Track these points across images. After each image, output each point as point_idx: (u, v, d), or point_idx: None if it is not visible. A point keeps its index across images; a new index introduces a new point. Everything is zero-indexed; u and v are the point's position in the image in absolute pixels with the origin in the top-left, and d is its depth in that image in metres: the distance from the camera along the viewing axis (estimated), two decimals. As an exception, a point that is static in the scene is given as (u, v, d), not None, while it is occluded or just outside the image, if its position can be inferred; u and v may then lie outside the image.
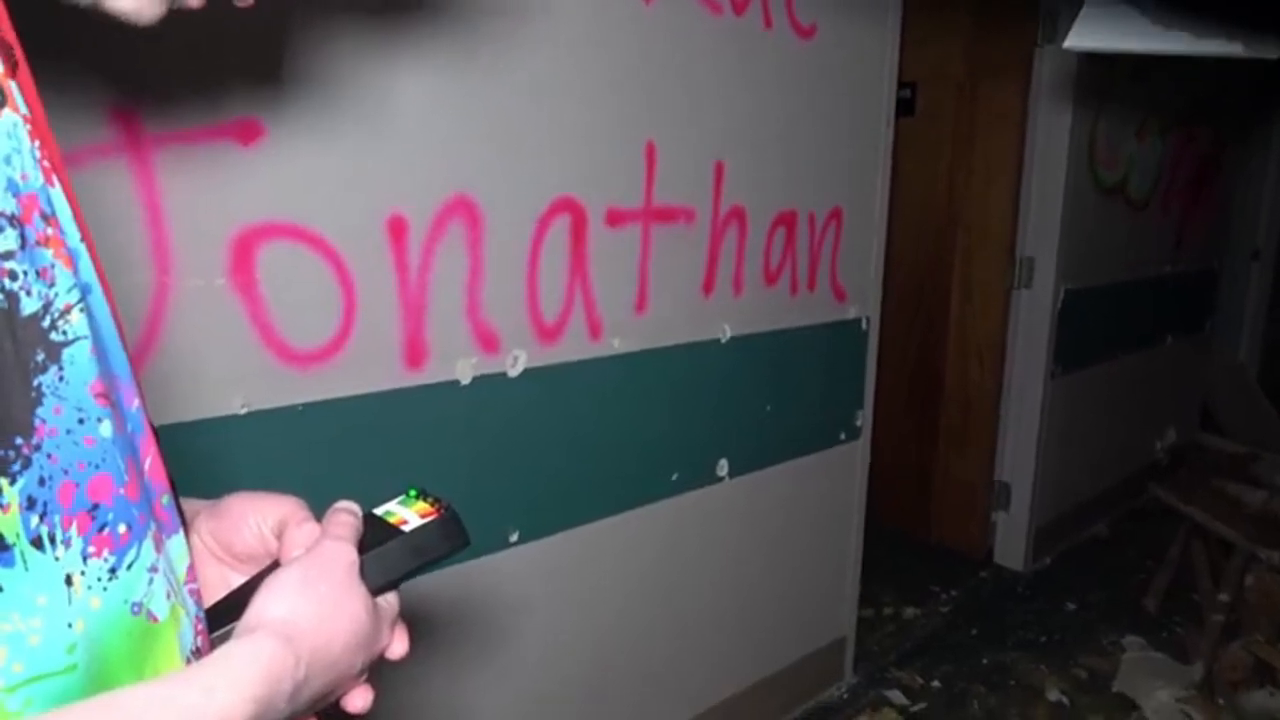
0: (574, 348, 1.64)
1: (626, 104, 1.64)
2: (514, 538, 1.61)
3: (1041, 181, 3.07)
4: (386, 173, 1.34)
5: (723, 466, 1.99)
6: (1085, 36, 1.15)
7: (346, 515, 0.56)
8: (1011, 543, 3.32)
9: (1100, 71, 3.00)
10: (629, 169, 1.67)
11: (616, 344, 1.71)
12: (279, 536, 0.56)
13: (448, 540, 0.59)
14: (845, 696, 2.50)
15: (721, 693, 2.15)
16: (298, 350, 1.29)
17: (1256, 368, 5.07)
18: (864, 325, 2.29)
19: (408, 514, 0.59)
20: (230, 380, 1.22)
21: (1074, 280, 3.17)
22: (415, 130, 1.36)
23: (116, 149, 1.09)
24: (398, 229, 1.36)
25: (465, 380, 1.48)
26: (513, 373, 1.55)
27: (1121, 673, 2.62)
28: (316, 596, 0.49)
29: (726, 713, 2.16)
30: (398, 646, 0.56)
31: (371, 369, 1.37)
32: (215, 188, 1.18)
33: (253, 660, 0.43)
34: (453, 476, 1.49)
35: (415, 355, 1.42)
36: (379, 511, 0.60)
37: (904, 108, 2.49)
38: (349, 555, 0.53)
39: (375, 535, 0.56)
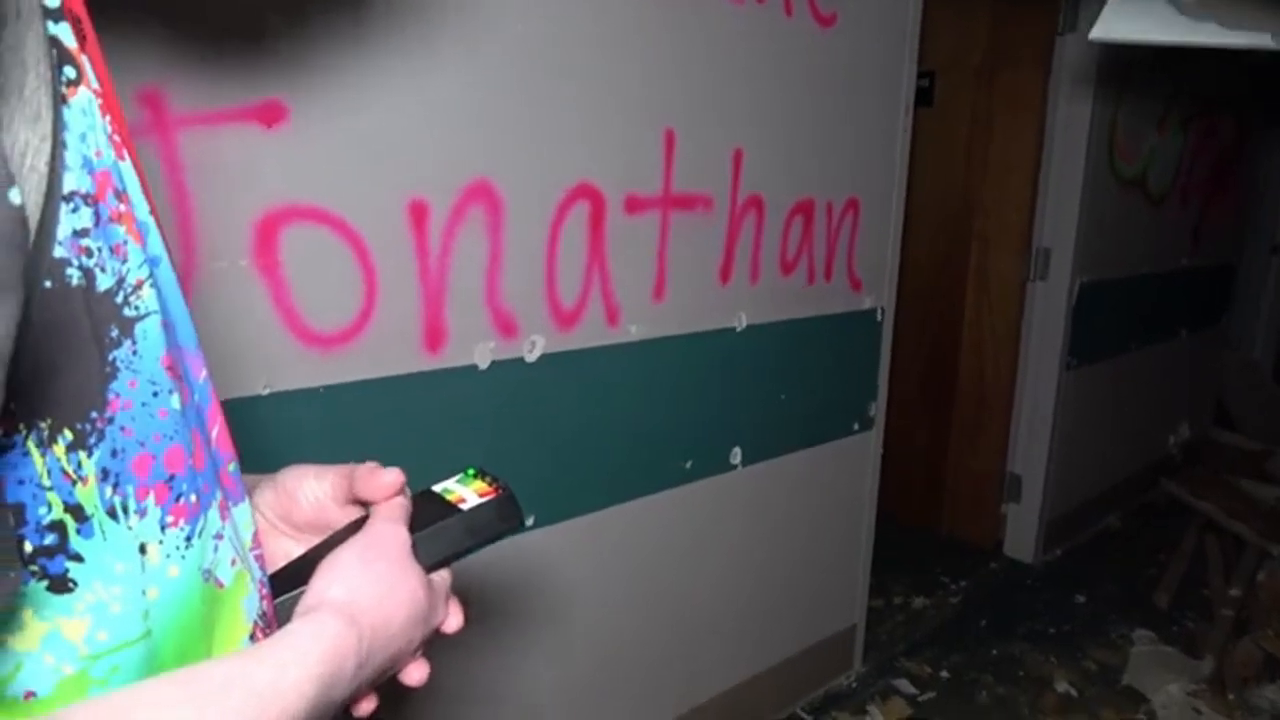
0: (591, 334, 1.64)
1: (647, 90, 1.63)
2: (530, 522, 1.62)
3: (1060, 173, 3.05)
4: (408, 157, 1.34)
5: (736, 454, 1.99)
6: (1112, 28, 1.14)
7: (398, 498, 0.57)
8: (1022, 535, 3.32)
9: (1122, 61, 2.97)
10: (648, 156, 1.67)
11: (634, 331, 1.71)
12: (337, 504, 0.57)
13: (503, 520, 0.60)
14: (854, 685, 2.51)
15: (732, 678, 2.16)
16: (320, 333, 1.30)
17: (1271, 364, 5.04)
18: (879, 316, 2.28)
19: (466, 492, 0.61)
20: (254, 361, 1.23)
21: (1090, 273, 3.16)
22: (437, 114, 1.36)
23: (143, 130, 1.10)
24: (419, 213, 1.36)
25: (483, 365, 1.49)
26: (530, 358, 1.56)
27: (1131, 666, 2.62)
28: (375, 576, 0.51)
29: (737, 698, 2.17)
30: (453, 620, 0.58)
31: (392, 352, 1.38)
32: (239, 169, 1.19)
33: (318, 638, 0.44)
34: (470, 460, 1.50)
35: (434, 339, 1.42)
36: (438, 489, 0.61)
37: (921, 97, 2.48)
38: (401, 535, 0.54)
39: (433, 512, 0.58)
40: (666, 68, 1.66)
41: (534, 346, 1.56)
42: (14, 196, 0.29)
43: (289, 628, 0.45)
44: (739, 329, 1.92)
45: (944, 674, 2.59)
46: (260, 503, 0.58)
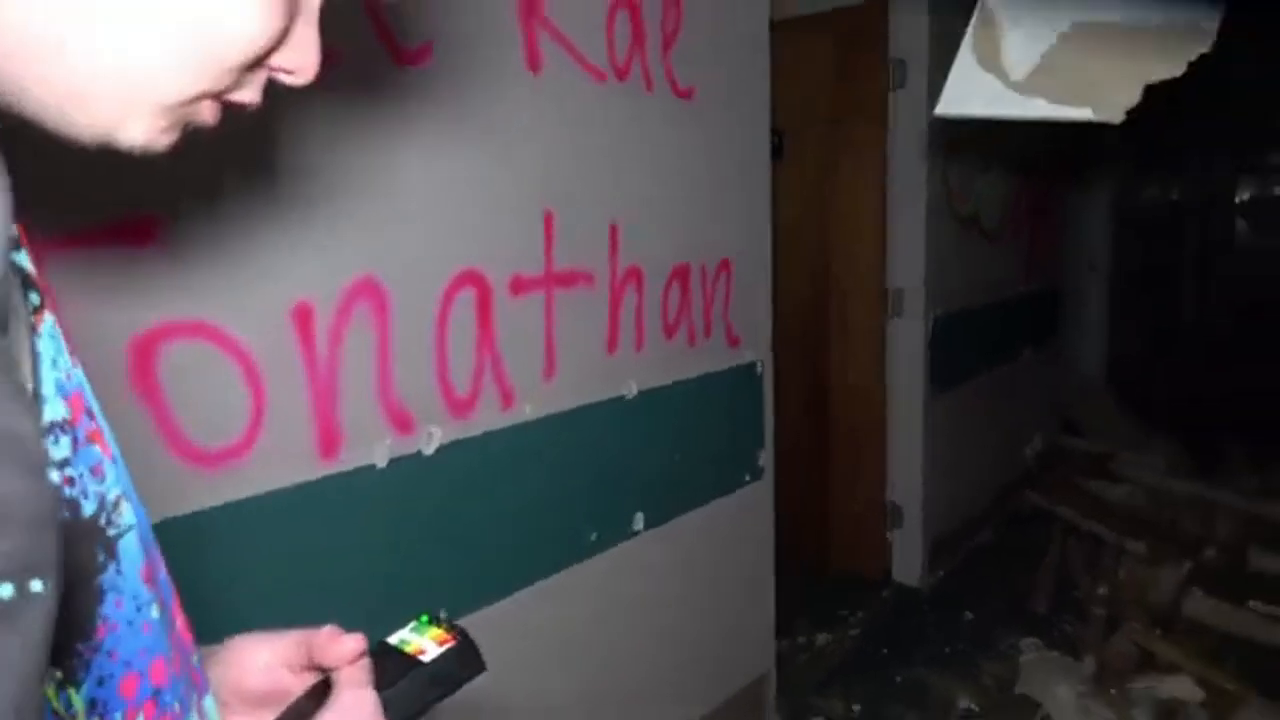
0: (487, 419, 1.63)
1: (523, 173, 1.66)
2: (442, 615, 1.57)
3: (904, 218, 3.27)
4: (288, 260, 1.31)
5: (638, 520, 2.00)
6: (953, 103, 1.25)
7: (361, 660, 0.55)
8: (908, 560, 3.47)
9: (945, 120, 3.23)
10: (529, 237, 1.69)
11: (528, 410, 1.71)
12: (293, 671, 0.55)
13: (465, 668, 0.60)
14: (772, 732, 2.54)
15: (653, 746, 2.15)
16: (207, 451, 1.23)
17: (1103, 371, 5.50)
18: (759, 369, 2.37)
19: (424, 642, 0.60)
20: (141, 490, 1.16)
21: (941, 306, 3.38)
22: (316, 215, 1.34)
23: (1, 260, 1.03)
24: (304, 317, 1.33)
25: (382, 464, 1.46)
26: (428, 450, 1.53)
27: (1022, 675, 2.77)
28: None
29: (660, 766, 2.16)
30: None
31: (285, 463, 1.32)
32: (108, 291, 1.13)
33: None
34: (375, 562, 1.46)
35: (329, 444, 1.38)
36: (394, 640, 0.60)
37: (773, 154, 2.61)
38: (371, 700, 0.53)
39: (395, 667, 0.57)
40: (540, 148, 1.69)
41: (431, 438, 1.54)
42: (53, 476, 0.28)
43: None
44: (629, 396, 1.95)
45: (855, 707, 2.66)
46: (211, 679, 0.55)
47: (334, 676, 0.55)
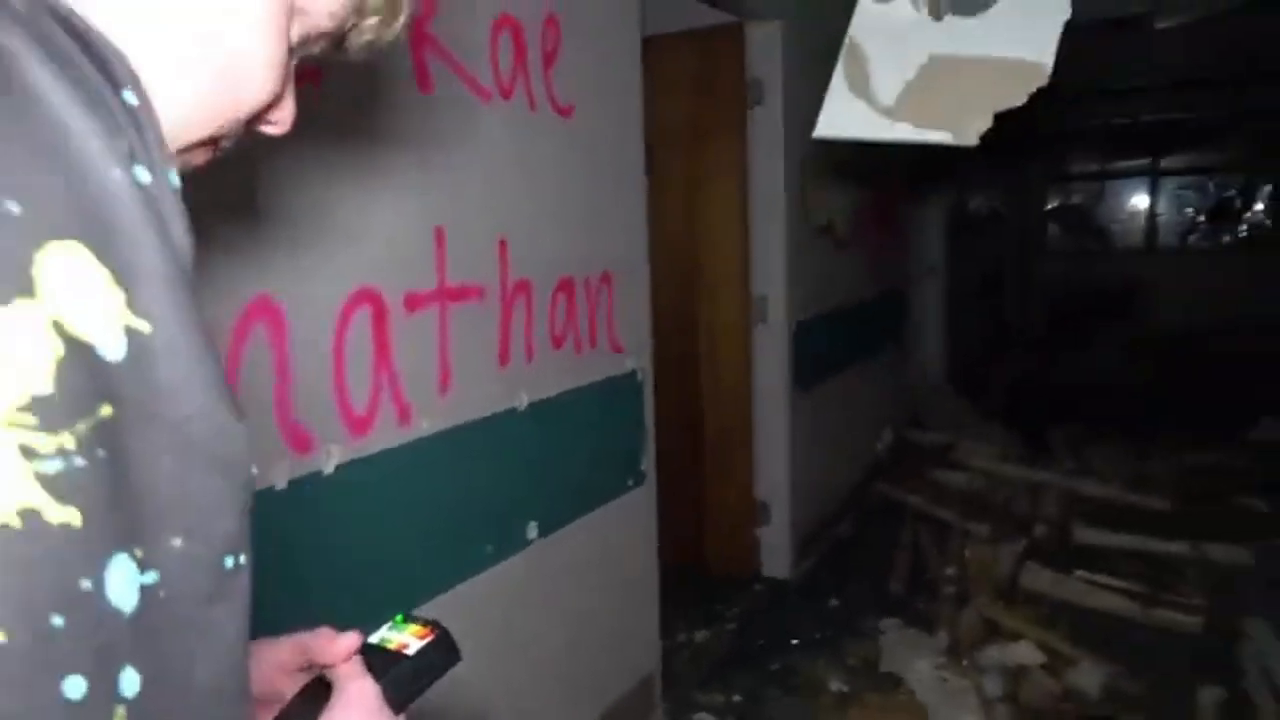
0: (385, 435, 1.63)
1: (414, 190, 1.67)
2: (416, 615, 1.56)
3: (765, 228, 3.44)
4: (182, 282, 1.28)
5: (532, 529, 2.04)
6: (829, 127, 1.37)
7: (356, 656, 0.60)
8: (776, 555, 3.64)
9: (803, 133, 3.43)
10: (421, 253, 1.70)
11: (425, 425, 1.72)
12: (287, 673, 0.59)
13: (446, 658, 0.65)
14: (661, 727, 2.62)
15: (550, 750, 2.19)
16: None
17: (944, 366, 5.93)
18: (639, 376, 2.45)
19: (404, 638, 0.64)
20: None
21: (802, 311, 3.58)
22: (211, 236, 1.31)
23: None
24: (199, 339, 1.30)
25: (281, 485, 1.44)
26: (328, 469, 1.52)
27: (885, 653, 2.97)
28: None
29: (558, 769, 2.19)
30: None
31: (184, 488, 1.29)
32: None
33: None
34: (278, 585, 1.43)
35: (228, 467, 1.35)
36: (375, 640, 0.64)
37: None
38: (373, 688, 0.58)
39: (383, 662, 0.61)
40: (430, 166, 1.70)
41: (330, 457, 1.52)
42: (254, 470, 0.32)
43: None
44: (520, 408, 1.98)
45: (736, 697, 2.78)
46: None
47: (332, 674, 0.59)
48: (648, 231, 2.50)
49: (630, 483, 2.45)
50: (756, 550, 3.66)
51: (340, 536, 1.55)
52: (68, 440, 0.28)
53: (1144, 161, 9.11)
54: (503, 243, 1.90)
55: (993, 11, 1.31)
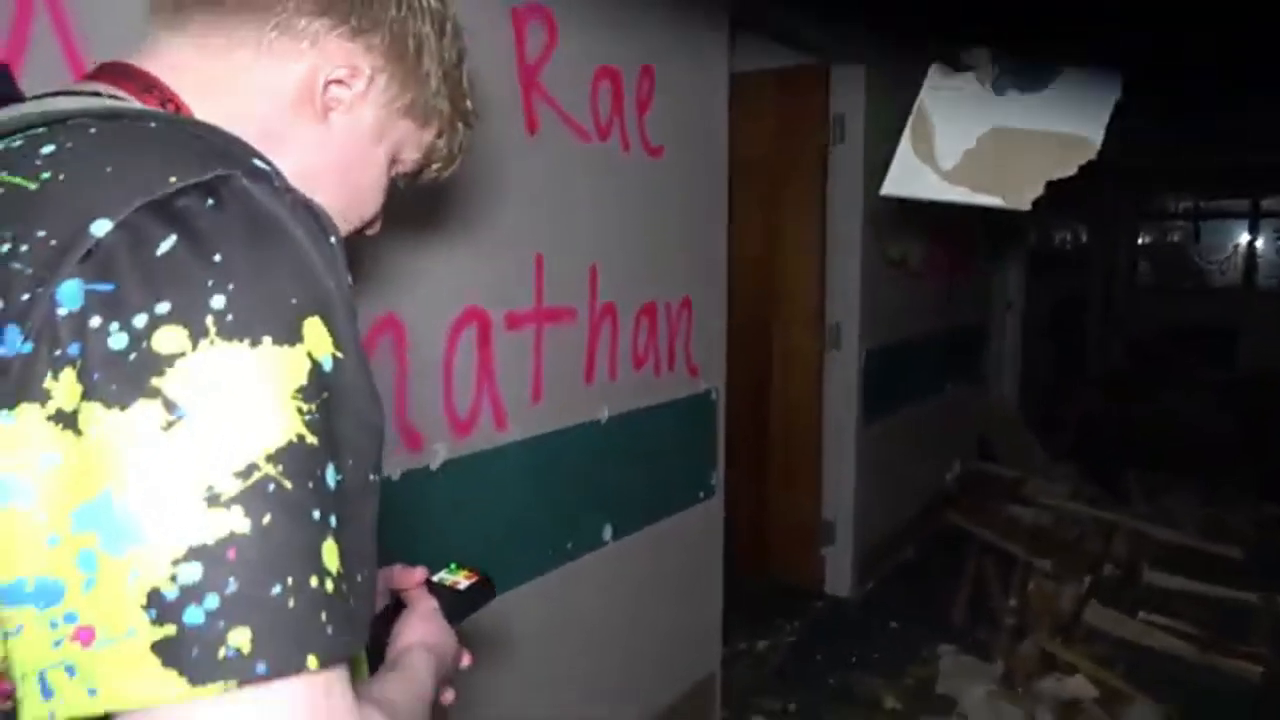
0: (484, 438, 1.84)
1: (518, 222, 1.88)
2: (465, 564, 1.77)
3: (841, 258, 3.58)
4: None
5: (607, 531, 2.22)
6: (895, 187, 1.52)
7: (422, 584, 0.89)
8: (839, 573, 3.75)
9: (878, 170, 3.56)
10: (523, 278, 1.91)
11: (518, 431, 1.92)
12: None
13: (485, 595, 0.92)
14: (717, 729, 2.77)
15: (613, 739, 2.36)
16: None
17: (1017, 401, 5.92)
18: (714, 396, 2.62)
19: (456, 578, 0.90)
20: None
21: (873, 340, 3.69)
22: (354, 265, 1.53)
23: None
24: (337, 347, 1.52)
25: (395, 477, 1.65)
26: (434, 465, 1.73)
27: (941, 676, 3.06)
28: (432, 630, 0.81)
29: (619, 757, 2.36)
30: (466, 658, 0.86)
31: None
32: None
33: (425, 661, 0.74)
34: (389, 561, 1.64)
35: (354, 458, 1.57)
36: (437, 579, 0.90)
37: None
38: (434, 605, 0.84)
39: (442, 592, 0.87)
40: (533, 198, 1.91)
41: (437, 455, 1.74)
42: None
43: (408, 658, 0.74)
44: (603, 420, 2.17)
45: (792, 707, 2.91)
46: None
47: (405, 596, 0.85)
48: (727, 258, 2.67)
49: (701, 495, 2.61)
50: (820, 568, 3.77)
51: (441, 524, 1.76)
52: (313, 406, 0.48)
53: (1244, 202, 8.88)
54: (593, 269, 2.10)
55: (1050, 89, 1.45)
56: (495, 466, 1.87)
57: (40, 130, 0.52)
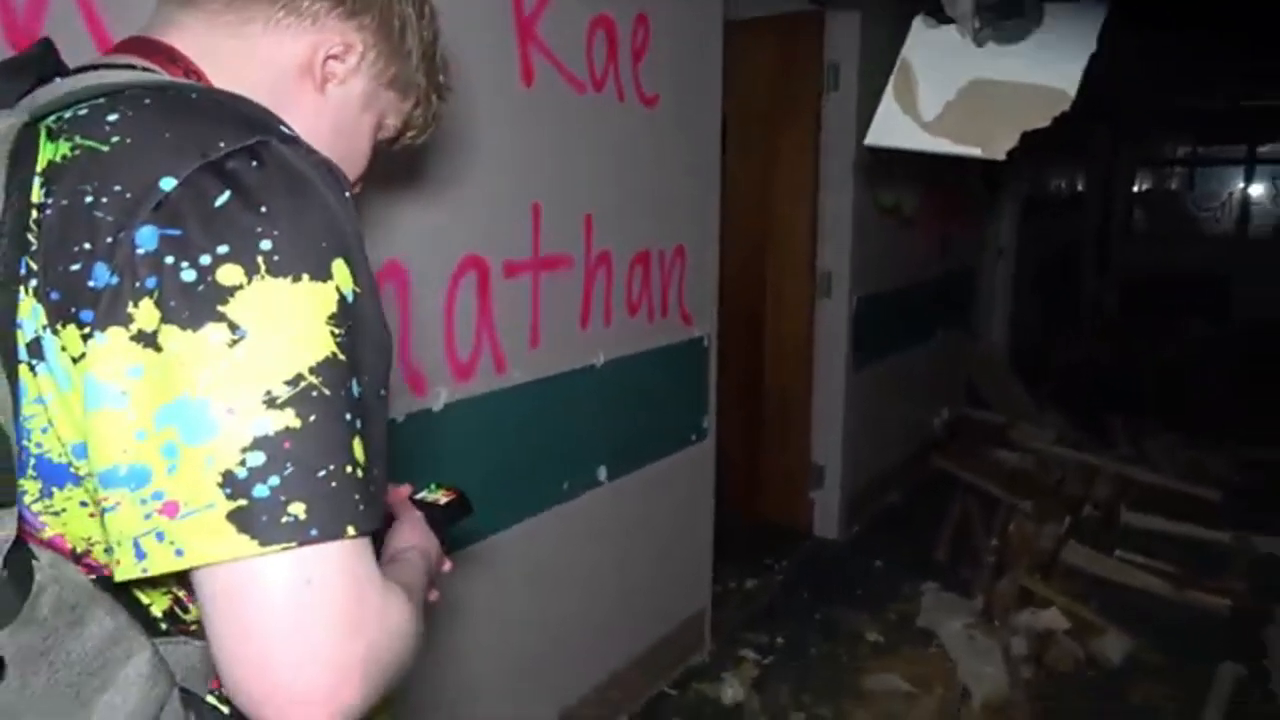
0: (484, 382, 1.91)
1: (516, 172, 1.93)
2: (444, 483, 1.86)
3: (834, 206, 3.62)
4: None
5: (602, 472, 2.31)
6: (878, 137, 1.58)
7: (408, 500, 0.99)
8: (827, 516, 3.86)
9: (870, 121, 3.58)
10: (520, 227, 1.96)
11: (517, 375, 2.00)
12: None
13: (463, 511, 1.01)
14: (708, 661, 2.90)
15: (606, 668, 2.48)
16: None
17: (1007, 348, 6.01)
18: (706, 342, 2.69)
19: (437, 496, 1.00)
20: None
21: (864, 288, 3.76)
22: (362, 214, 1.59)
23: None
24: (342, 294, 1.59)
25: (400, 418, 1.73)
26: (436, 408, 1.81)
27: (923, 612, 3.18)
28: (420, 534, 0.90)
29: (609, 686, 2.49)
30: (447, 564, 0.95)
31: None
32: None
33: (418, 559, 0.83)
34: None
35: (360, 400, 1.65)
36: (418, 496, 1.00)
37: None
38: (419, 515, 0.93)
39: (424, 508, 0.96)
40: (530, 149, 1.96)
41: (439, 397, 1.81)
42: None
43: (405, 555, 0.83)
44: (598, 365, 2.25)
45: (780, 640, 3.04)
46: None
47: (393, 509, 0.92)
48: (721, 205, 2.72)
49: (693, 438, 2.70)
50: (809, 510, 3.89)
51: (445, 464, 1.84)
52: (342, 330, 0.57)
53: (1239, 148, 8.87)
54: (589, 218, 2.15)
55: (1029, 41, 1.50)
56: (495, 409, 1.95)
57: (101, 100, 0.60)
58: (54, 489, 0.59)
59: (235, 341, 0.53)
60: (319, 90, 0.75)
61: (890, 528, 3.99)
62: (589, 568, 2.34)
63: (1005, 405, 5.35)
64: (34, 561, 0.56)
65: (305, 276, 0.56)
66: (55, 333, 0.54)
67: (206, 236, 0.54)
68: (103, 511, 0.54)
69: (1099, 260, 8.66)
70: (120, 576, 0.54)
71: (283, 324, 0.54)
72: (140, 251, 0.53)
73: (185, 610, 0.65)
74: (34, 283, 0.54)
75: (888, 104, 1.58)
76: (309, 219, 0.57)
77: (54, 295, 0.54)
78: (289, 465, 0.53)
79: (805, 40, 3.51)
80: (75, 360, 0.54)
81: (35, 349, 0.55)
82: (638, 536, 2.52)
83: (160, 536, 0.53)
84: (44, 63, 0.66)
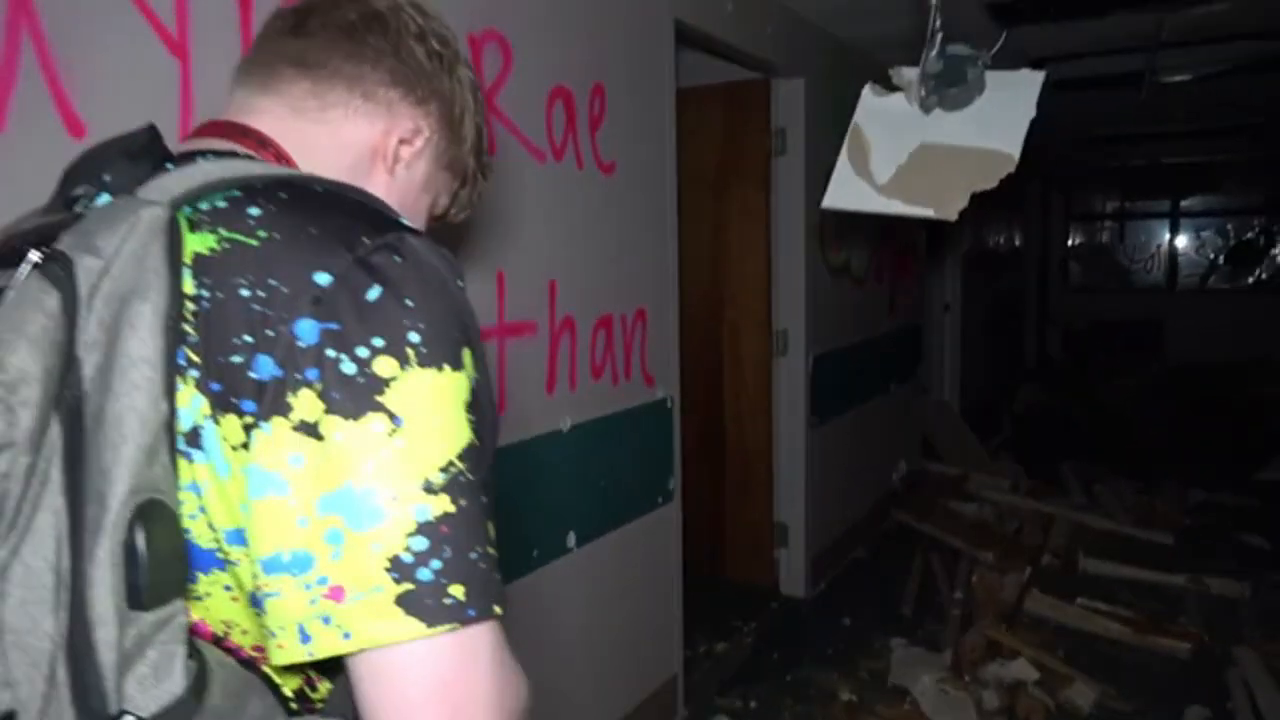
0: (451, 451, 1.89)
1: (480, 240, 1.95)
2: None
3: (787, 266, 3.70)
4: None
5: (572, 538, 2.29)
6: (835, 200, 1.63)
7: None
8: (793, 574, 3.86)
9: (821, 182, 3.69)
10: (486, 294, 1.97)
11: (483, 443, 1.98)
12: None
13: None
14: (681, 728, 2.85)
15: (580, 741, 2.42)
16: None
17: (957, 401, 6.13)
18: (669, 404, 2.70)
19: None
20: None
21: (820, 346, 3.82)
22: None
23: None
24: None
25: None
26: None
27: (893, 668, 3.18)
28: None
29: (587, 759, 2.43)
30: None
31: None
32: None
33: None
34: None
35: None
36: None
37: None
38: None
39: None
40: (494, 220, 1.98)
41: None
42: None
43: None
44: (565, 430, 2.24)
45: (753, 704, 3.00)
46: None
47: None
48: (678, 270, 2.76)
49: (660, 500, 2.69)
50: (775, 569, 3.88)
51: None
52: (475, 417, 0.60)
53: (1164, 203, 9.29)
54: (552, 284, 2.17)
55: (973, 108, 1.57)
56: (462, 477, 1.92)
57: (236, 193, 0.62)
58: (199, 574, 0.61)
59: (394, 431, 0.56)
60: (389, 172, 0.78)
61: (855, 583, 4.00)
62: (560, 637, 2.30)
63: (959, 457, 5.43)
64: (199, 647, 0.58)
65: (446, 367, 0.58)
66: (216, 422, 0.56)
67: (362, 330, 0.56)
68: (263, 598, 0.56)
69: (1040, 312, 8.93)
70: (282, 661, 0.56)
71: (433, 413, 0.57)
72: (301, 344, 0.55)
73: (314, 689, 0.67)
74: (194, 374, 0.56)
75: (842, 167, 1.63)
76: (442, 309, 0.60)
77: (215, 386, 0.56)
78: (447, 549, 0.56)
79: (753, 107, 3.62)
80: (234, 448, 0.56)
81: (193, 438, 0.57)
82: (608, 602, 2.48)
83: (326, 620, 0.55)
84: (153, 148, 0.67)
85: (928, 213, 1.54)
